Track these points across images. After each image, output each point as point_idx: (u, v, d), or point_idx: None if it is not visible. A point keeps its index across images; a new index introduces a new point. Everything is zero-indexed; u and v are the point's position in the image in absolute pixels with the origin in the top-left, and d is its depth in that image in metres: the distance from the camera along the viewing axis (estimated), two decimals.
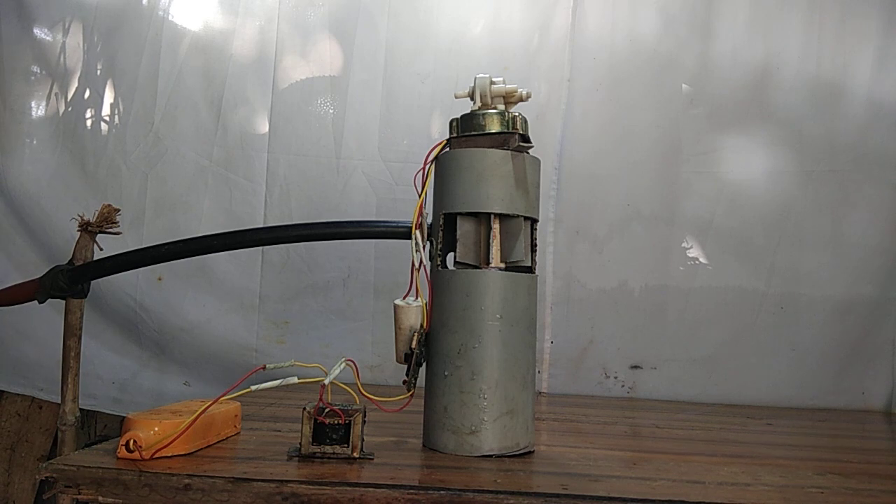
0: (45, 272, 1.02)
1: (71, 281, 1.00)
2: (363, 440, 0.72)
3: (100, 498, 0.62)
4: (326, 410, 0.70)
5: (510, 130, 0.80)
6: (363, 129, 1.44)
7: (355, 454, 0.71)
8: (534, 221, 0.82)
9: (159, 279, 1.43)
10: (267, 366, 0.72)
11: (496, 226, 0.79)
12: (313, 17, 1.46)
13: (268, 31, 1.45)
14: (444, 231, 0.80)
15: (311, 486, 0.61)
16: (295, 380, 0.72)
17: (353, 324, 1.43)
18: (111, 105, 1.46)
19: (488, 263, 0.79)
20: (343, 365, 0.72)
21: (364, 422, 0.72)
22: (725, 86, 1.38)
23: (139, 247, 1.03)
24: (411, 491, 0.61)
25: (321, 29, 1.46)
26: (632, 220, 1.40)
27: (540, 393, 1.39)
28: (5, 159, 1.44)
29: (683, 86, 1.40)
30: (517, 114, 0.82)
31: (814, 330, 1.35)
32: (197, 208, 1.45)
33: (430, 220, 0.82)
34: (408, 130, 1.43)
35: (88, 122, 1.46)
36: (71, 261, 1.02)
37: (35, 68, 1.47)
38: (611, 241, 1.41)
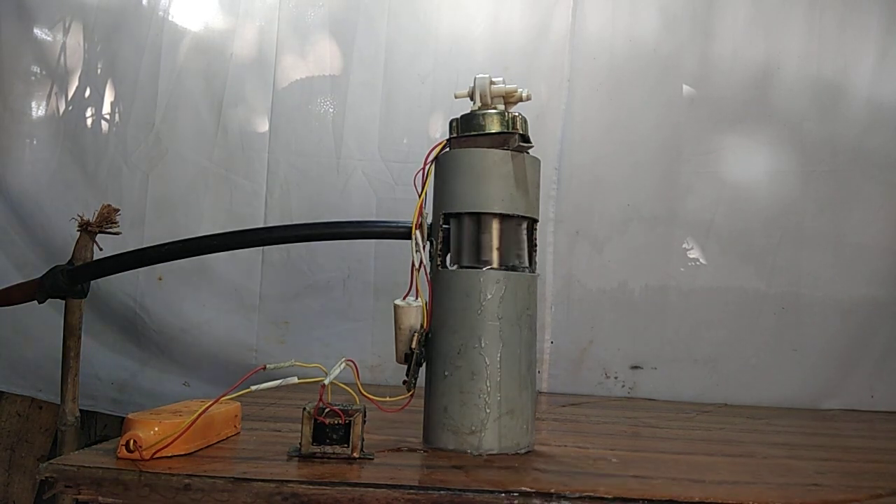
0: (45, 272, 1.02)
1: (71, 281, 1.00)
2: (363, 440, 0.72)
3: (100, 498, 0.62)
4: (326, 410, 0.70)
5: (510, 130, 0.79)
6: (363, 130, 1.44)
7: (355, 454, 0.71)
8: (534, 221, 0.82)
9: (159, 279, 1.42)
10: (267, 366, 0.72)
11: (496, 226, 0.79)
12: (313, 18, 1.46)
13: (268, 31, 1.45)
14: (443, 231, 0.80)
15: (311, 486, 0.61)
16: (295, 380, 0.72)
17: (353, 324, 1.43)
18: (111, 105, 1.46)
19: (489, 264, 0.79)
20: (343, 365, 0.72)
21: (364, 422, 0.72)
22: (726, 86, 1.38)
23: (140, 247, 1.03)
24: (411, 491, 0.61)
25: (321, 29, 1.46)
26: (632, 221, 1.40)
27: (540, 393, 1.39)
28: (5, 159, 1.44)
29: (684, 86, 1.40)
30: (517, 114, 0.81)
31: (815, 330, 1.35)
32: (197, 209, 1.45)
33: (430, 220, 0.82)
34: (408, 130, 1.44)
35: (89, 123, 1.46)
36: (71, 261, 1.02)
37: (35, 69, 1.47)
38: (611, 241, 1.41)
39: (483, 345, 0.76)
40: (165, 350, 1.45)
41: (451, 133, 0.82)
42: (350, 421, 0.71)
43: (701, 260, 1.38)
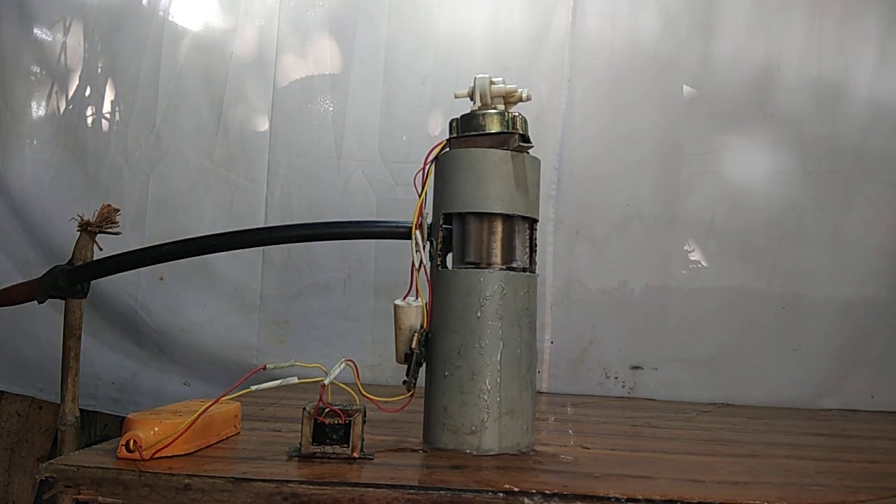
0: (45, 272, 1.02)
1: (71, 281, 1.01)
2: (363, 440, 0.72)
3: (100, 498, 0.62)
4: (326, 410, 0.70)
5: (510, 130, 0.80)
6: (364, 130, 1.44)
7: (355, 454, 0.71)
8: (534, 221, 0.82)
9: (160, 279, 1.43)
10: (267, 366, 0.72)
11: (496, 226, 0.79)
12: (313, 17, 1.46)
13: (268, 31, 1.45)
14: (443, 231, 0.80)
15: (311, 486, 0.61)
16: (295, 380, 0.72)
17: (353, 324, 1.43)
18: (112, 105, 1.46)
19: (489, 264, 0.79)
20: (343, 365, 0.72)
21: (364, 422, 0.72)
22: (726, 86, 1.38)
23: (140, 247, 1.03)
24: (411, 491, 0.61)
25: (321, 29, 1.46)
26: (632, 220, 1.40)
27: (540, 393, 1.39)
28: (6, 159, 1.44)
29: (684, 86, 1.40)
30: (517, 114, 0.82)
31: (815, 330, 1.35)
32: (198, 209, 1.45)
33: (430, 220, 0.82)
34: (408, 130, 1.44)
35: (89, 122, 1.46)
36: (71, 261, 1.02)
37: (35, 68, 1.47)
38: (611, 241, 1.40)
39: (483, 345, 0.76)
40: (165, 350, 1.45)
41: (451, 133, 0.82)
42: (350, 421, 0.71)
43: (701, 260, 1.38)
